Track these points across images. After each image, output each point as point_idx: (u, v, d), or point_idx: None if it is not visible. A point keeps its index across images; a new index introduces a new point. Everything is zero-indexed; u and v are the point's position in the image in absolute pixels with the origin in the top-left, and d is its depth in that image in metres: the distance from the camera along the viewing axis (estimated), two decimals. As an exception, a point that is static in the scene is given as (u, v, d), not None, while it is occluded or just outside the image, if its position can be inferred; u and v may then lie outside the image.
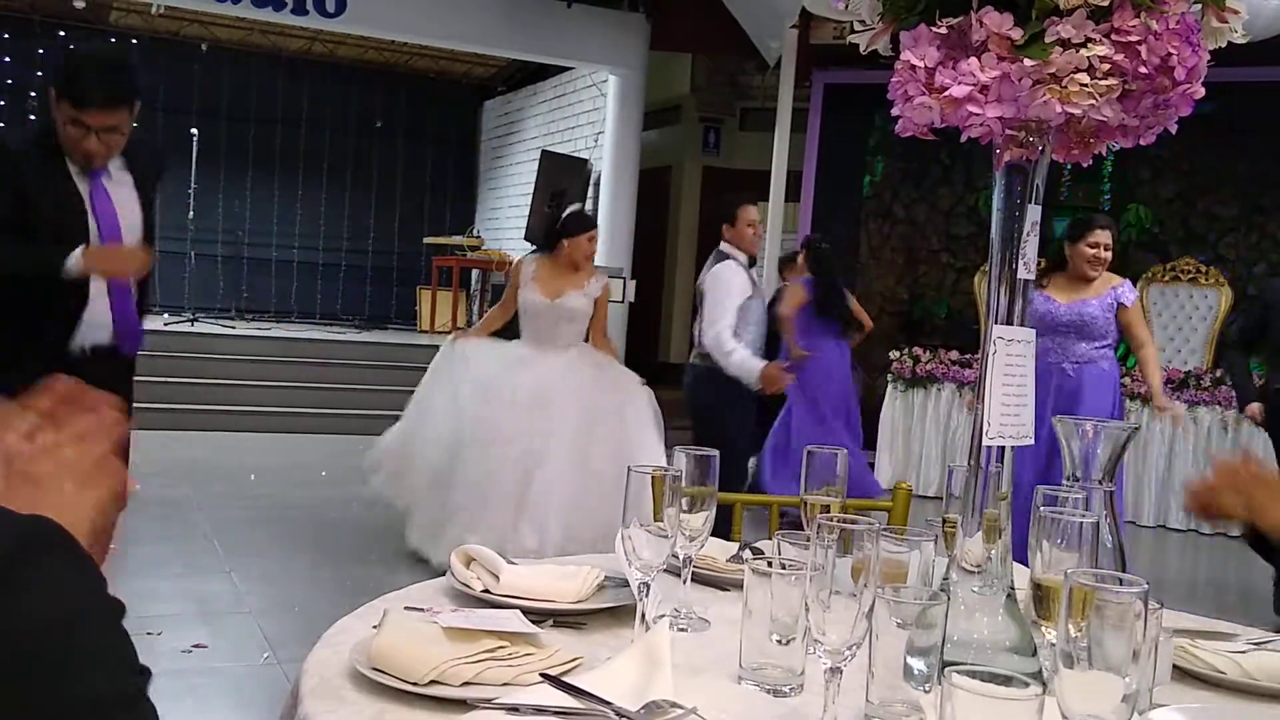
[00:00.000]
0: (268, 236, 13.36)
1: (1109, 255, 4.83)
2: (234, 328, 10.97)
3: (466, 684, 1.16)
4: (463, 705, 1.13)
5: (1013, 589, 1.32)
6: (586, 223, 5.19)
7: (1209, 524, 1.85)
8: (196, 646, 3.83)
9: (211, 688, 3.55)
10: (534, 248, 5.23)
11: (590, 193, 10.77)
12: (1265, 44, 5.73)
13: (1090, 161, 1.39)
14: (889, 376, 8.21)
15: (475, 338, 5.19)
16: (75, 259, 2.90)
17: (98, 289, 3.04)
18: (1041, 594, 1.28)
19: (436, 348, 5.30)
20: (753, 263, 5.07)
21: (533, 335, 5.03)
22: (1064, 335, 4.84)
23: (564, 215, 5.24)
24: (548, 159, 10.89)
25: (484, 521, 4.57)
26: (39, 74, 11.92)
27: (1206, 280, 8.06)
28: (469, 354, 5.03)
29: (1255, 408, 5.28)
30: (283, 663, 3.75)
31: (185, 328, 10.15)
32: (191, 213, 11.27)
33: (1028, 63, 1.20)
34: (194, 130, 11.26)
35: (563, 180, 10.54)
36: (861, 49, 1.43)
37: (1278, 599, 5.32)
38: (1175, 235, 8.49)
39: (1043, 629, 1.28)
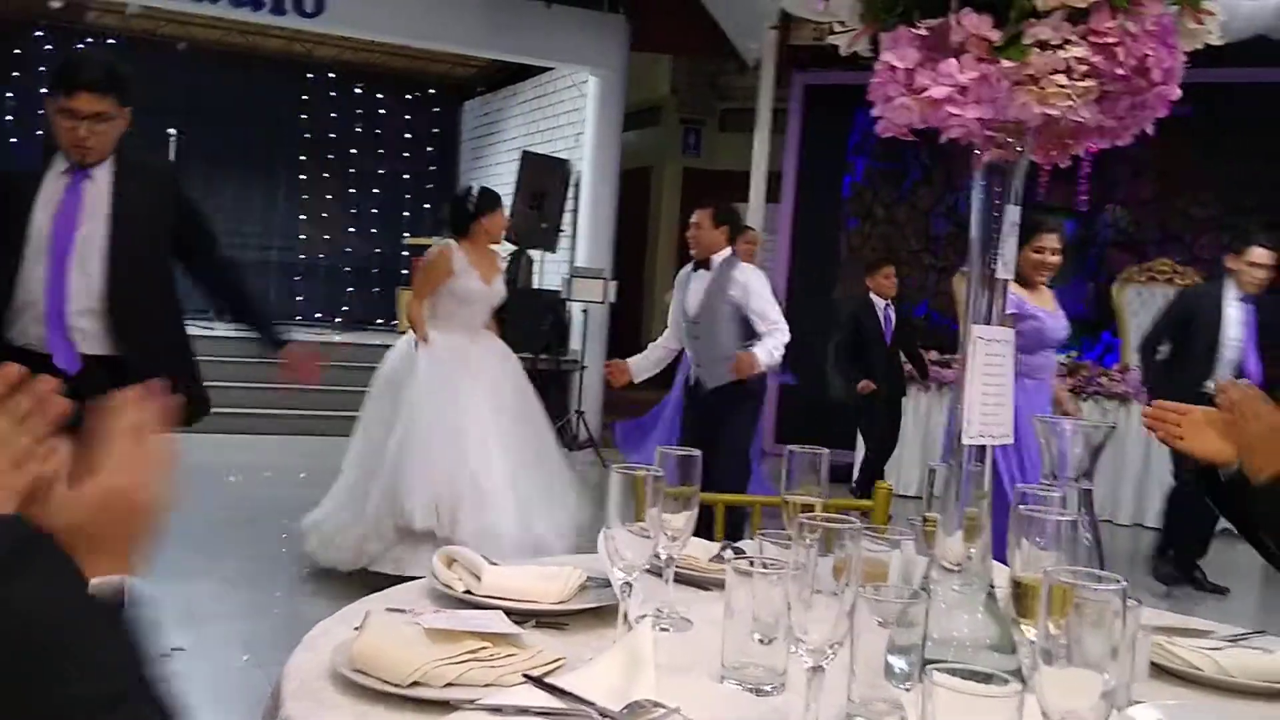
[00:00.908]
0: (246, 237, 13.25)
1: (1057, 260, 4.42)
2: (213, 329, 10.88)
3: (449, 685, 1.16)
4: (445, 706, 1.13)
5: (992, 587, 1.33)
6: (497, 199, 5.20)
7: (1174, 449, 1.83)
8: (175, 649, 3.81)
9: (191, 691, 3.50)
10: (450, 233, 5.10)
11: (571, 193, 10.76)
12: (1241, 45, 5.77)
13: (1068, 162, 1.40)
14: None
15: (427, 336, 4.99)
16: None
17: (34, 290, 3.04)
18: (1021, 592, 1.29)
19: (418, 350, 5.20)
20: (699, 266, 5.11)
21: (464, 323, 4.99)
22: (1054, 351, 4.46)
23: (473, 195, 5.13)
24: (528, 160, 10.87)
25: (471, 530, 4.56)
26: (15, 74, 11.83)
27: (1183, 280, 8.09)
28: (424, 364, 4.90)
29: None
30: (263, 665, 3.73)
31: (164, 329, 10.07)
32: (169, 213, 11.19)
33: (1006, 64, 1.20)
34: (171, 130, 11.18)
35: (543, 181, 10.52)
36: (841, 50, 1.43)
37: (1164, 563, 5.45)
38: (1152, 236, 8.55)
39: (1022, 626, 1.29)
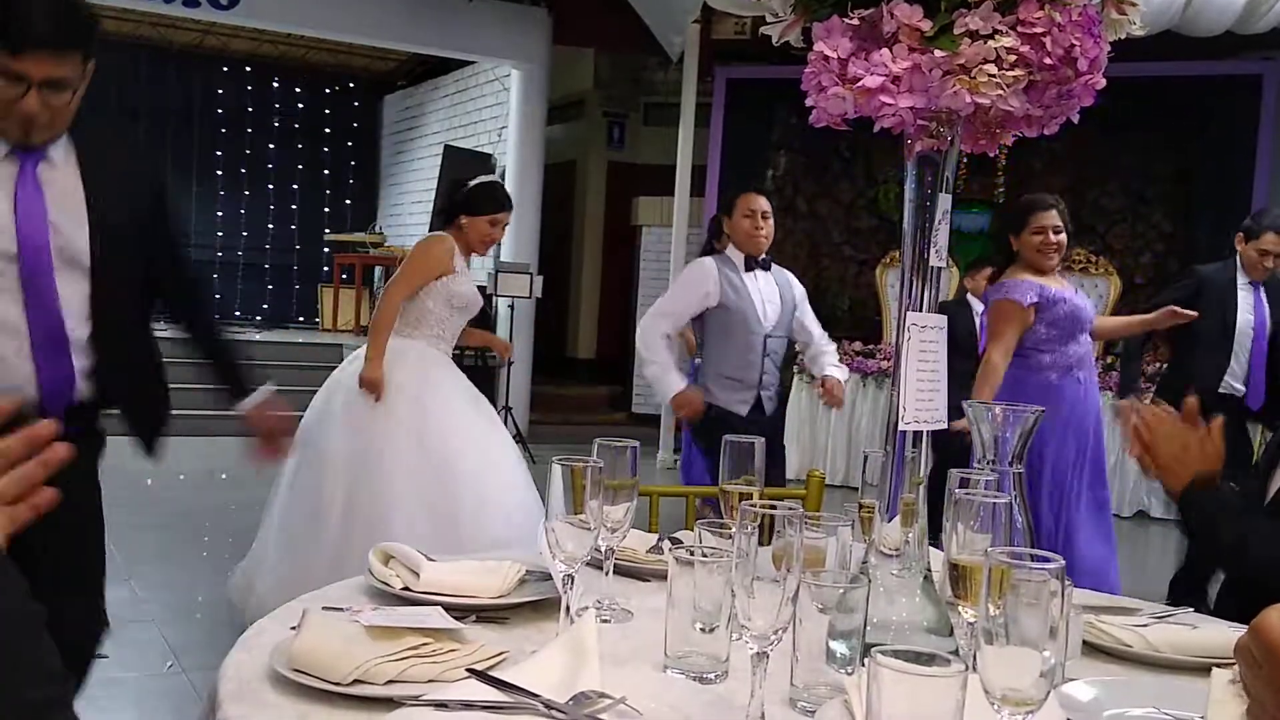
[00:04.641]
0: (161, 235, 12.99)
1: (1063, 239, 4.17)
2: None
3: (391, 682, 1.15)
4: (387, 704, 1.11)
5: (929, 571, 1.35)
6: (490, 203, 4.16)
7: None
8: (96, 657, 3.71)
9: (113, 699, 3.44)
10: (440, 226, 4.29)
11: (494, 188, 10.70)
12: (1139, 40, 5.91)
13: (996, 152, 1.42)
14: (794, 369, 8.30)
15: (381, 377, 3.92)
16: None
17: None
18: (958, 574, 1.30)
19: (339, 346, 4.94)
20: (754, 265, 4.17)
21: (450, 338, 4.15)
22: (1086, 334, 4.08)
23: (468, 186, 4.19)
24: (450, 154, 10.77)
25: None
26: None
27: (1097, 270, 8.32)
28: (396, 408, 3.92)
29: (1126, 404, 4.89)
30: (187, 671, 3.65)
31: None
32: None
33: (938, 54, 1.22)
34: (81, 125, 10.88)
35: (466, 175, 10.42)
36: (774, 40, 1.44)
37: (1180, 590, 4.78)
38: (1066, 226, 8.74)
39: (959, 609, 1.31)
